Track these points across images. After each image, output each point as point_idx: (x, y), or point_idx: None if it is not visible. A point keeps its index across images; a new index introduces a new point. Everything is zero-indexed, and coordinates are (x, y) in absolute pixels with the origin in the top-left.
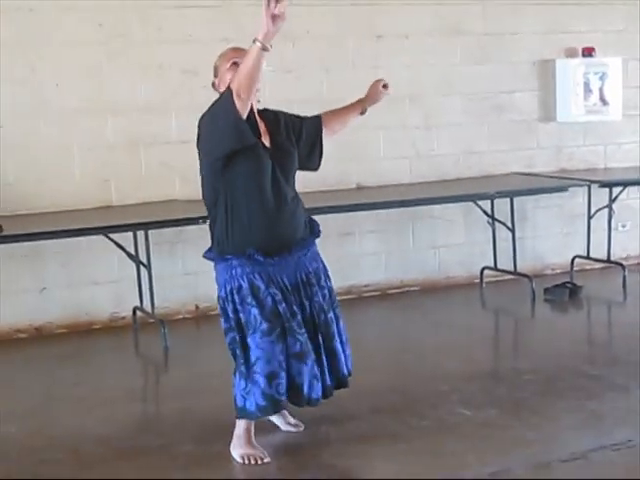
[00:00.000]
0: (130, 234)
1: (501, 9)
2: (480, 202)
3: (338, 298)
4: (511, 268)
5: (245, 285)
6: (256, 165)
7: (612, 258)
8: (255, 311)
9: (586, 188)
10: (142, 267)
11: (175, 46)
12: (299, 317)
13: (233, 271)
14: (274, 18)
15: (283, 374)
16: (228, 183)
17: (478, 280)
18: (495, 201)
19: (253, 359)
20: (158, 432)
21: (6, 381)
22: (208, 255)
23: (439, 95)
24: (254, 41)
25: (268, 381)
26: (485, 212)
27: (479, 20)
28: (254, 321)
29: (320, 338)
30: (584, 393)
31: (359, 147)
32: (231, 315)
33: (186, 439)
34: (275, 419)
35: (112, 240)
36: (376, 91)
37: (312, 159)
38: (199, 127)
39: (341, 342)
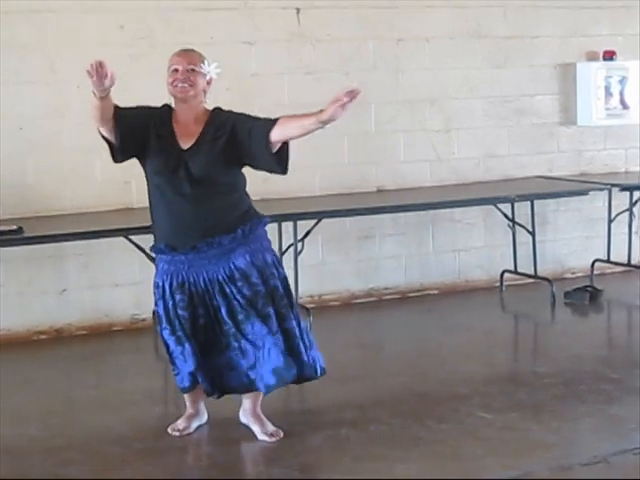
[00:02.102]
0: (150, 236)
1: (522, 12)
2: (500, 205)
3: (358, 301)
4: (531, 272)
5: (160, 284)
6: (161, 164)
7: (633, 262)
8: (160, 311)
9: (607, 192)
10: None
11: (197, 48)
12: (201, 321)
13: (160, 266)
14: None
15: (186, 369)
16: (149, 180)
17: (498, 284)
18: (515, 204)
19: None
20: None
21: (26, 382)
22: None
23: (460, 98)
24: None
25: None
26: (505, 215)
27: (500, 23)
28: (159, 319)
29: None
30: (604, 397)
31: (379, 150)
32: (154, 305)
33: (207, 441)
34: (253, 427)
35: (132, 242)
36: (334, 105)
37: (263, 160)
38: None
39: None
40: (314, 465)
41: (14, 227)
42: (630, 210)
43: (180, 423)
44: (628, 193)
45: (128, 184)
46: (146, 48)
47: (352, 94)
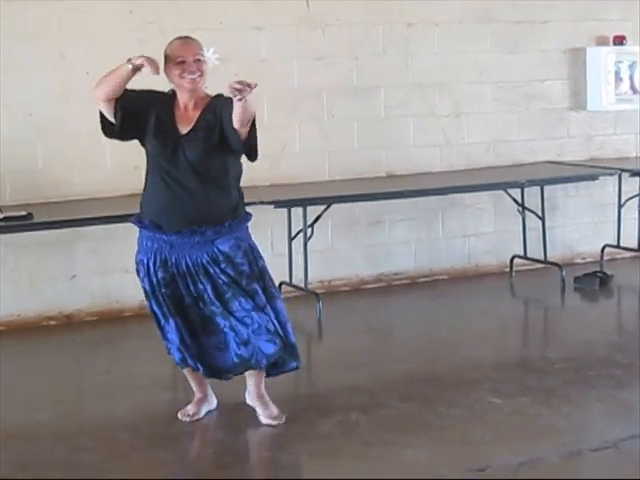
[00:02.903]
0: None
1: None
2: (510, 191)
3: (368, 286)
4: (541, 257)
5: (145, 261)
6: (160, 147)
7: None
8: (146, 287)
9: (617, 177)
10: None
11: (206, 34)
12: (187, 300)
13: (143, 243)
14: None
15: (175, 347)
16: (146, 157)
17: (508, 269)
18: (525, 190)
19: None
20: (188, 420)
21: (36, 368)
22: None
23: (469, 83)
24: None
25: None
26: (515, 201)
27: (510, 8)
28: (147, 295)
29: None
30: (615, 382)
31: (389, 135)
32: (140, 281)
33: (216, 426)
34: (257, 409)
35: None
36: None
37: (230, 144)
38: None
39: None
40: (323, 451)
41: (24, 213)
42: None
43: (190, 408)
44: (638, 178)
45: (138, 169)
46: (155, 33)
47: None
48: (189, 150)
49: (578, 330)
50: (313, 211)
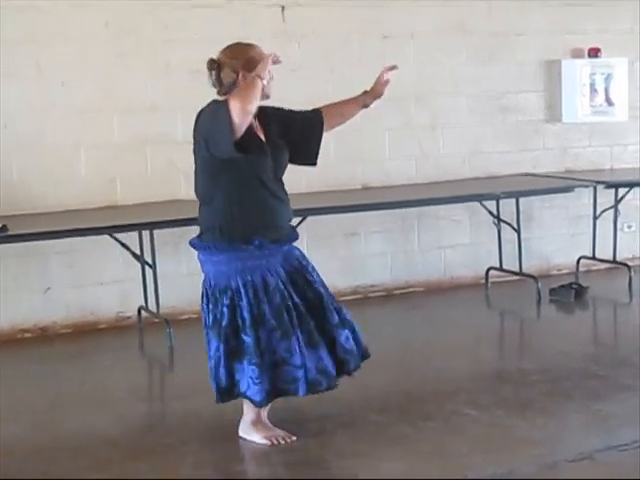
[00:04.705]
0: (135, 234)
1: (507, 9)
2: (486, 202)
3: (344, 298)
4: (517, 269)
5: (259, 280)
6: (256, 158)
7: (618, 259)
8: (265, 307)
9: (592, 189)
10: (147, 267)
11: (182, 45)
12: (301, 308)
13: (246, 263)
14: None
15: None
16: (230, 173)
17: (484, 281)
18: (501, 201)
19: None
20: (164, 432)
21: (11, 381)
22: (199, 243)
23: (445, 95)
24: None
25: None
26: (491, 212)
27: (485, 20)
28: (263, 317)
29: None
30: (590, 393)
31: (365, 147)
32: (244, 306)
33: (193, 438)
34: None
35: (117, 240)
36: (380, 84)
37: (309, 154)
38: (202, 119)
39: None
40: (299, 462)
41: None
42: (615, 207)
43: (279, 433)
44: (613, 190)
45: (113, 182)
46: (131, 44)
47: (391, 68)
48: (277, 158)
49: (554, 342)
50: None
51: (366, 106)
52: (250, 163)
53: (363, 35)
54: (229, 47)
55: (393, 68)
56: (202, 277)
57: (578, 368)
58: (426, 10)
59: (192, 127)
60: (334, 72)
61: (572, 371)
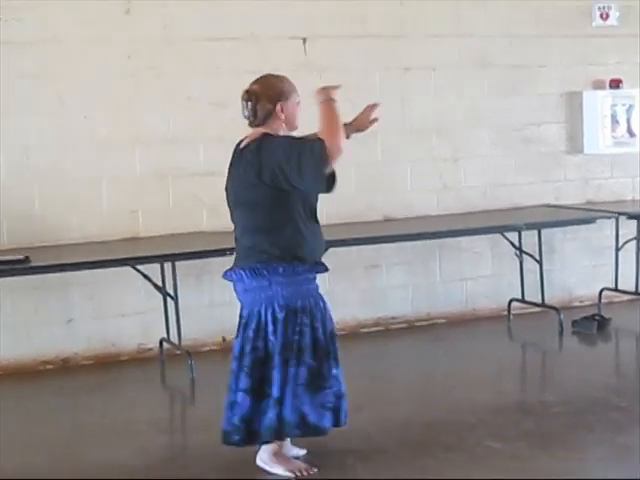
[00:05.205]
0: (157, 265)
1: (528, 41)
2: (507, 234)
3: (365, 330)
4: (539, 300)
5: (312, 303)
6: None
7: None
8: (327, 328)
9: (614, 220)
10: (169, 299)
11: (203, 78)
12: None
13: (308, 286)
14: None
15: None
16: (296, 203)
17: (506, 312)
18: (522, 233)
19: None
20: (185, 464)
21: (33, 412)
22: (274, 268)
23: (466, 127)
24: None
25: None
26: (512, 244)
27: (506, 52)
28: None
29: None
30: (613, 425)
31: (386, 179)
32: (291, 333)
33: (213, 470)
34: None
35: (139, 271)
36: (365, 119)
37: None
38: (266, 150)
39: None
40: None
41: (21, 257)
42: (638, 238)
43: (301, 465)
44: (636, 221)
45: (135, 213)
46: (152, 78)
47: (374, 107)
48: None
49: (576, 374)
50: None
51: (347, 137)
52: (304, 193)
53: (384, 67)
54: (263, 78)
55: (375, 106)
56: (224, 308)
57: (600, 400)
58: (447, 43)
59: (213, 159)
60: (355, 105)
61: (594, 403)
